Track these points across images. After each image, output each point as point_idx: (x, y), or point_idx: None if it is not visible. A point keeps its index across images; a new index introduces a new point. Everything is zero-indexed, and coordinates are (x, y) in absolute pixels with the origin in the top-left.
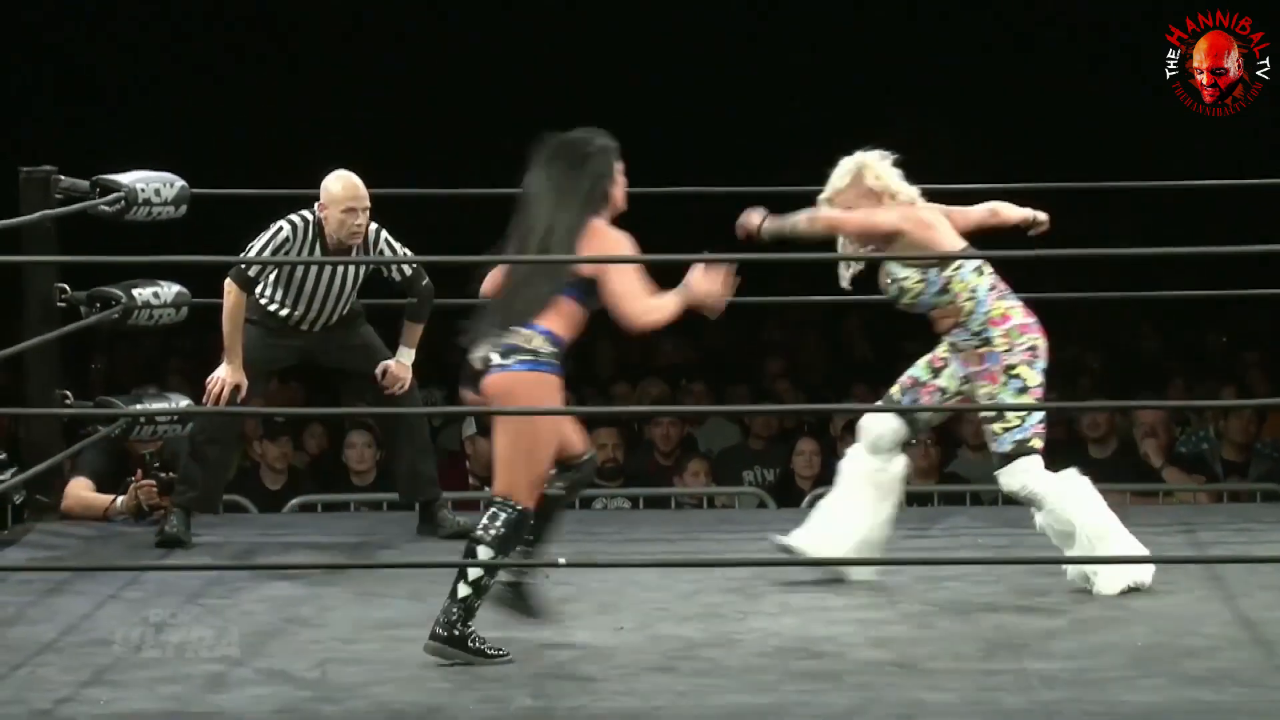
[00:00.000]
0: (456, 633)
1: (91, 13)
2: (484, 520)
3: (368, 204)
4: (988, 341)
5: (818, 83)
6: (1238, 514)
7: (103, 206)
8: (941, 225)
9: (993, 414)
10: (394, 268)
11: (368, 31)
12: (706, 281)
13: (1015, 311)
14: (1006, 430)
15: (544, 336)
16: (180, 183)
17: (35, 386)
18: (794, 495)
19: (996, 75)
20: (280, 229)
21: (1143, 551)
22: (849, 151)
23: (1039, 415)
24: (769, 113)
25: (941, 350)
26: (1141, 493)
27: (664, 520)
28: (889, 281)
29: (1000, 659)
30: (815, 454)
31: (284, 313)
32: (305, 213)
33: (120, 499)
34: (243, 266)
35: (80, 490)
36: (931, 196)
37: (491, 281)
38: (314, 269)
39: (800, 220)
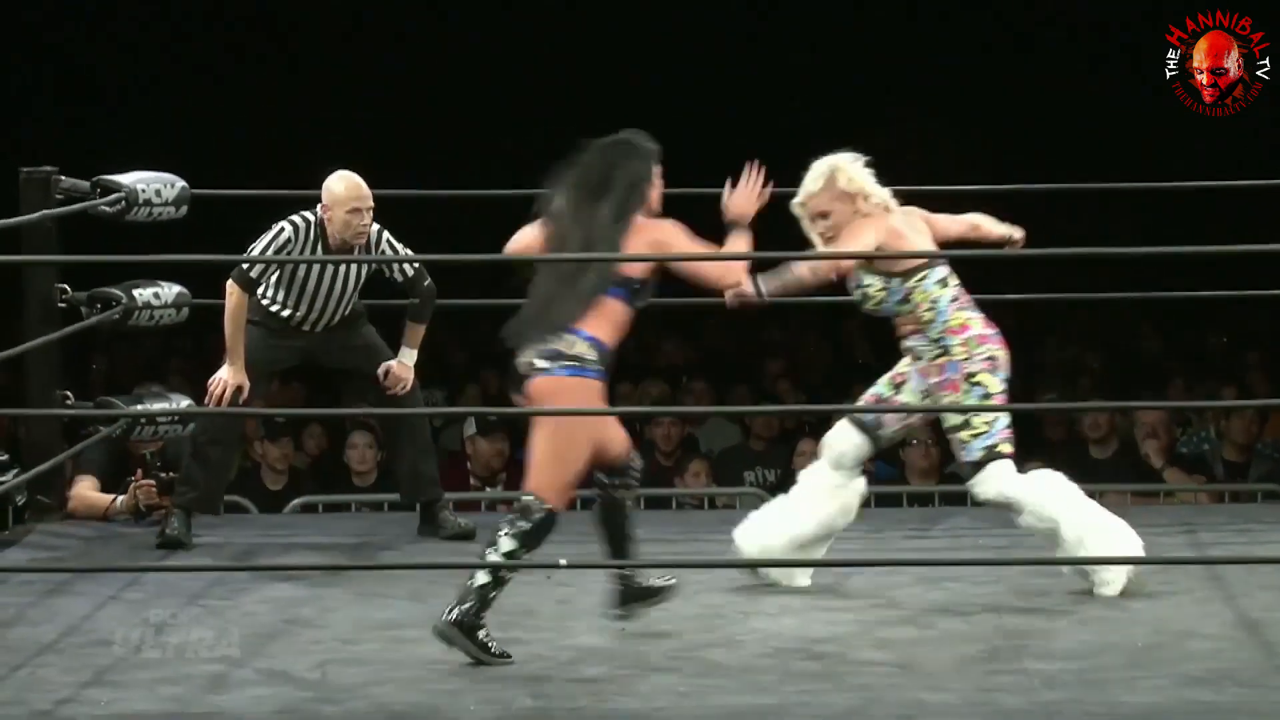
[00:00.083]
0: (468, 621)
1: (91, 13)
2: (511, 515)
3: (372, 204)
4: (946, 350)
5: (818, 83)
6: (1238, 514)
7: (103, 207)
8: (913, 235)
9: (960, 424)
10: (396, 268)
11: (368, 31)
12: (743, 201)
13: (974, 322)
14: (975, 437)
15: (587, 342)
16: (181, 183)
17: (36, 387)
18: None
19: (996, 75)
20: (282, 230)
21: (1133, 535)
22: (849, 152)
23: (1006, 420)
24: (769, 113)
25: (902, 366)
26: (1142, 493)
27: (665, 520)
28: (854, 287)
29: (1000, 659)
30: (816, 454)
31: (286, 313)
32: (307, 213)
33: (120, 499)
34: (244, 267)
35: (85, 490)
36: (931, 197)
37: (518, 241)
38: (316, 270)
39: (803, 274)
